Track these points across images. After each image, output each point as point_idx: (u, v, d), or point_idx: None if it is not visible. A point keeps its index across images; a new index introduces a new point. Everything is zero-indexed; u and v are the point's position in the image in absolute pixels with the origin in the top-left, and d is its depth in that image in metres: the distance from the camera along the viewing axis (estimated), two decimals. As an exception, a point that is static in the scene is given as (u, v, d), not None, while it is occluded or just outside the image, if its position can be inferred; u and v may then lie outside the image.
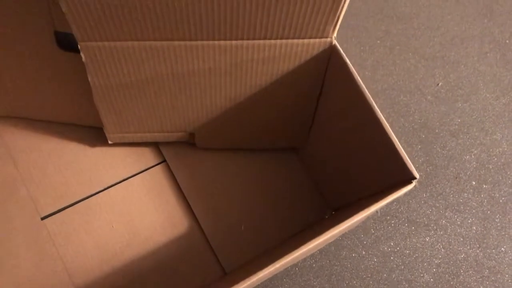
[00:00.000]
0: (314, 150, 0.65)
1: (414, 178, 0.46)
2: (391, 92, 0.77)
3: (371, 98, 0.49)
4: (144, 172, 0.65)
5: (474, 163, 0.77)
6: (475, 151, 0.78)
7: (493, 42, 0.85)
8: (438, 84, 0.80)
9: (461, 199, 0.74)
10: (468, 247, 0.71)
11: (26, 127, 0.64)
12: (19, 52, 0.54)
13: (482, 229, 0.73)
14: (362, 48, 0.79)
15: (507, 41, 0.86)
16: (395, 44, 0.81)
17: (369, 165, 0.54)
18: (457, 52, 0.83)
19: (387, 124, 0.48)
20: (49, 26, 0.51)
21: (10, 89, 0.59)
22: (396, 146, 0.47)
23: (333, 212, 0.67)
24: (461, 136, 0.78)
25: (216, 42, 0.48)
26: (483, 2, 0.88)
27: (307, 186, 0.68)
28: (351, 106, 0.52)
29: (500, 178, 0.77)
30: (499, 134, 0.79)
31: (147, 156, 0.66)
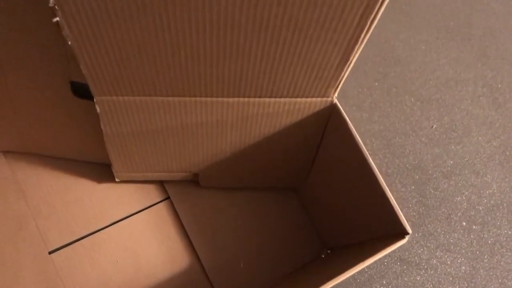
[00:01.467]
0: (312, 191, 0.68)
1: (407, 233, 0.49)
2: (387, 134, 0.81)
3: (368, 155, 0.52)
4: (148, 209, 0.68)
5: (465, 204, 0.80)
6: (466, 193, 0.81)
7: (486, 86, 0.89)
8: (432, 126, 0.83)
9: (452, 239, 0.77)
10: (457, 287, 0.74)
11: (37, 162, 0.67)
12: (35, 96, 0.57)
13: (471, 269, 0.76)
14: (360, 89, 0.83)
15: (499, 85, 0.89)
16: (392, 86, 0.85)
17: (364, 214, 0.57)
18: (451, 95, 0.87)
19: (383, 181, 0.51)
20: (66, 75, 0.53)
21: (23, 127, 0.62)
22: (391, 202, 0.50)
23: (329, 251, 0.70)
24: (453, 177, 0.81)
25: (224, 99, 0.51)
26: (477, 47, 0.91)
27: (305, 225, 0.71)
28: (349, 159, 0.55)
29: (489, 219, 0.80)
30: (489, 176, 0.83)
31: (151, 193, 0.69)
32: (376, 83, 0.84)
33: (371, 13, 0.38)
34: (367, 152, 0.52)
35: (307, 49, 0.43)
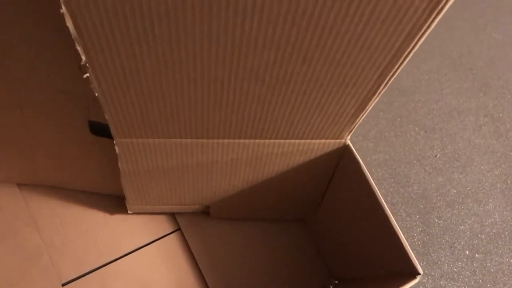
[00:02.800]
0: (321, 223, 0.70)
1: (419, 273, 0.50)
2: (392, 163, 0.82)
3: (381, 196, 0.53)
4: (159, 240, 0.69)
5: (468, 232, 0.82)
6: (469, 221, 0.83)
7: (487, 116, 0.91)
8: (436, 156, 0.85)
9: (455, 268, 0.79)
10: (461, 316, 0.75)
11: (49, 194, 0.68)
12: (52, 132, 0.58)
13: (474, 298, 0.77)
14: (365, 119, 0.84)
15: (500, 115, 0.91)
16: (397, 116, 0.86)
17: (374, 250, 0.58)
18: (454, 124, 0.89)
19: (394, 221, 0.52)
20: (84, 114, 0.54)
21: (39, 161, 0.63)
22: (403, 242, 0.51)
23: (336, 282, 0.71)
24: (457, 206, 0.83)
25: (241, 140, 0.52)
26: (479, 77, 0.93)
27: (313, 256, 0.72)
28: (360, 198, 0.56)
29: (492, 248, 0.82)
30: (491, 205, 0.84)
31: (163, 224, 0.70)
32: (381, 113, 0.86)
33: (390, 71, 0.40)
34: (379, 194, 0.53)
35: (325, 100, 0.44)
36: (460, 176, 0.84)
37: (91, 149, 0.60)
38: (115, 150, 0.53)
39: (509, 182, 0.85)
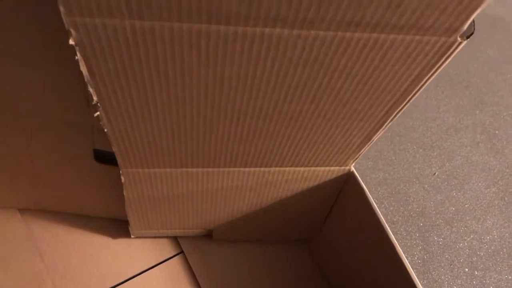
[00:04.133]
0: (324, 244, 0.70)
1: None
2: (392, 182, 0.83)
3: (386, 224, 0.54)
4: (162, 264, 0.69)
5: (467, 250, 0.83)
6: (468, 239, 0.84)
7: (484, 133, 0.92)
8: (434, 174, 0.86)
9: (455, 285, 0.80)
10: (462, 334, 0.76)
11: (51, 218, 0.67)
12: (56, 160, 0.58)
13: (474, 316, 0.78)
14: (365, 138, 0.85)
15: (496, 132, 0.92)
16: (395, 135, 0.87)
17: (378, 277, 0.59)
18: (452, 142, 0.90)
19: (401, 250, 0.53)
20: (89, 143, 0.55)
21: (43, 187, 0.63)
22: (405, 265, 0.52)
23: (339, 303, 0.71)
24: (455, 224, 0.84)
25: (247, 168, 0.53)
26: (475, 94, 0.95)
27: (316, 276, 0.73)
28: (364, 223, 0.57)
29: (491, 265, 0.82)
30: (489, 222, 0.85)
31: (165, 248, 0.70)
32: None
33: (397, 108, 0.40)
34: (385, 222, 0.53)
35: (332, 133, 0.45)
36: (459, 193, 0.85)
37: (95, 176, 0.60)
38: (119, 176, 0.53)
39: (506, 199, 0.87)
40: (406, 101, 0.39)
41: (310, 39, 0.31)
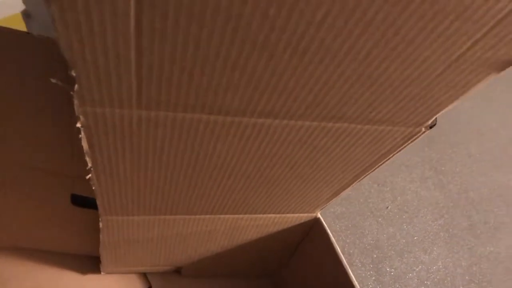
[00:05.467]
0: (287, 279, 0.74)
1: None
2: (349, 215, 0.89)
3: (349, 268, 0.58)
4: (131, 299, 0.70)
5: (416, 280, 0.89)
6: (417, 269, 0.90)
7: (432, 169, 1.00)
8: (387, 207, 0.92)
9: (405, 313, 0.86)
10: None
11: (20, 256, 0.67)
12: (32, 206, 0.58)
13: None
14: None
15: (443, 168, 1.00)
16: (353, 170, 0.93)
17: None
18: (403, 177, 0.96)
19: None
20: (68, 190, 0.56)
21: (15, 227, 0.63)
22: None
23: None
24: (405, 255, 0.90)
25: (221, 215, 0.56)
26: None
27: (278, 309, 0.76)
28: (327, 265, 0.61)
29: (436, 293, 0.90)
30: (435, 253, 0.93)
31: (134, 283, 0.71)
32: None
33: (366, 173, 0.45)
34: (347, 266, 0.58)
35: (305, 190, 0.49)
36: (409, 226, 0.92)
37: (70, 217, 0.61)
38: (93, 217, 0.55)
39: (450, 231, 0.94)
40: (374, 169, 0.44)
41: (296, 127, 0.35)
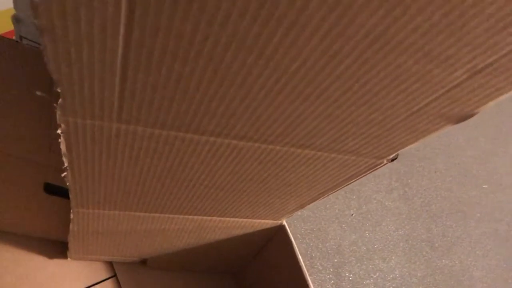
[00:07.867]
0: (249, 277, 0.77)
1: None
2: (315, 219, 0.92)
3: (308, 275, 0.61)
4: (95, 285, 0.72)
5: (372, 286, 0.93)
6: (374, 276, 0.94)
7: (398, 181, 1.03)
8: (352, 215, 0.96)
9: (359, 317, 0.90)
10: None
11: (-12, 236, 0.68)
12: (7, 187, 0.59)
13: None
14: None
15: (409, 181, 1.04)
16: (323, 176, 0.96)
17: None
18: (370, 187, 1.00)
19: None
20: (42, 178, 0.57)
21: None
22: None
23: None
24: (365, 262, 0.94)
25: (190, 216, 0.58)
26: (395, 145, 1.06)
27: (237, 305, 0.79)
28: (287, 268, 0.64)
29: (390, 300, 0.94)
30: (393, 262, 0.97)
31: (99, 270, 0.73)
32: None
33: (331, 191, 0.48)
34: (306, 272, 0.61)
35: (272, 202, 0.51)
36: (371, 234, 0.96)
37: (41, 203, 0.62)
38: (64, 205, 0.56)
39: (410, 241, 0.98)
40: (338, 189, 0.47)
41: (267, 150, 0.37)
